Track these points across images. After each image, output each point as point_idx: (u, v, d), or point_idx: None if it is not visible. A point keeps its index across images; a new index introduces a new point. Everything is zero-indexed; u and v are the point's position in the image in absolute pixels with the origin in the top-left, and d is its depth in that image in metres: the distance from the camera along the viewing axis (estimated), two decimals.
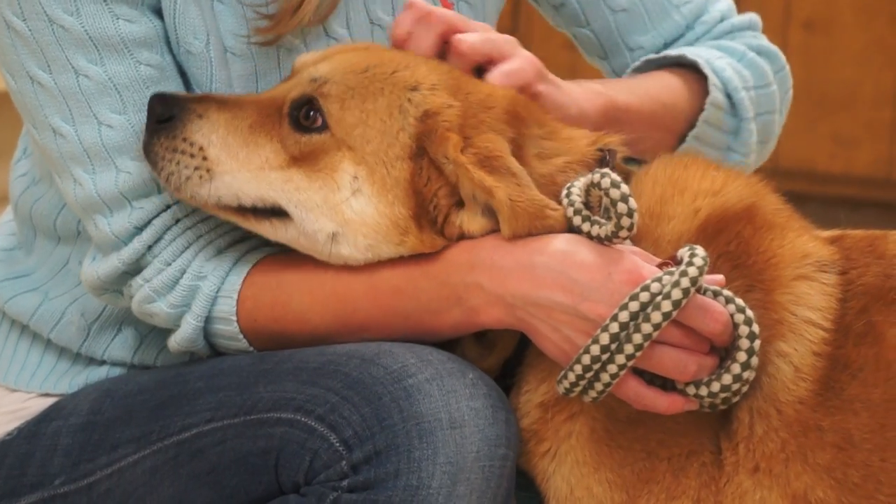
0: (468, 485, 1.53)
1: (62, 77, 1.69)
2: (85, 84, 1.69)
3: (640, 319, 1.52)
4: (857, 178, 5.19)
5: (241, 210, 1.69)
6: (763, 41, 2.03)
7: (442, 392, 1.55)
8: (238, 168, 1.68)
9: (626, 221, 1.55)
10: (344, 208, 1.65)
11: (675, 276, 1.52)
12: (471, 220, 1.62)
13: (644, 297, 1.52)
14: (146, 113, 1.70)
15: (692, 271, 1.52)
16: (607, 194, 1.55)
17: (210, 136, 1.68)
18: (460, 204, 1.64)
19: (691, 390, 1.56)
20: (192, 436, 1.66)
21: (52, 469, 1.76)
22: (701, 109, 1.91)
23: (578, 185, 1.59)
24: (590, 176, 1.58)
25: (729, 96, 1.93)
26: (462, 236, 1.63)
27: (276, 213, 1.68)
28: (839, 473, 1.55)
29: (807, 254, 1.63)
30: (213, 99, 1.71)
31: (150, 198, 1.72)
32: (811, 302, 1.60)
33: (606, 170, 1.58)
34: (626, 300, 1.52)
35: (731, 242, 1.63)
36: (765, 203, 1.68)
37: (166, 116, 1.68)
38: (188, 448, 1.66)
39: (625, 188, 1.55)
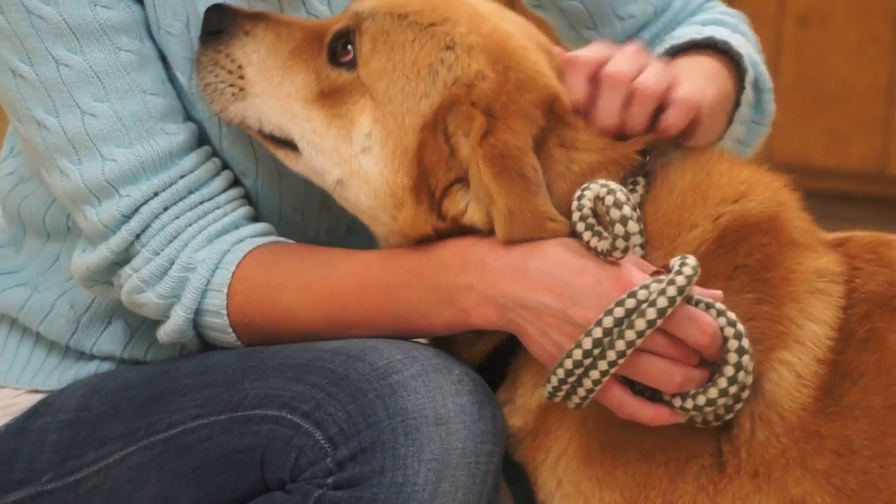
0: (453, 481, 1.53)
1: (43, 68, 1.69)
2: (66, 74, 1.69)
3: (624, 326, 1.50)
4: (850, 172, 5.19)
5: (262, 133, 1.71)
6: (726, 6, 2.03)
7: (427, 388, 1.55)
8: (269, 93, 1.69)
9: (620, 244, 1.53)
10: (352, 161, 1.64)
11: (663, 285, 1.50)
12: (475, 211, 1.60)
13: (630, 303, 1.50)
14: (129, 99, 1.70)
15: (680, 280, 1.50)
16: (608, 213, 1.53)
17: (251, 55, 1.70)
18: (463, 181, 1.61)
19: (677, 402, 1.54)
20: (178, 433, 1.66)
21: (40, 466, 1.76)
22: (739, 88, 1.89)
23: (593, 189, 1.56)
24: (597, 187, 1.55)
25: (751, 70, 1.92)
26: (459, 218, 1.61)
27: (291, 145, 1.69)
28: (838, 480, 1.54)
29: (821, 270, 1.60)
30: (264, 17, 1.71)
31: (138, 185, 1.71)
32: (818, 315, 1.58)
33: (614, 186, 1.55)
34: (612, 306, 1.51)
35: (753, 255, 1.60)
36: (790, 216, 1.64)
37: (216, 29, 1.70)
38: (175, 445, 1.66)
39: (626, 210, 1.52)
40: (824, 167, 5.16)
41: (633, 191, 1.62)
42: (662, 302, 1.50)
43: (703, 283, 1.56)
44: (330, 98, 1.66)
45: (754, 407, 1.55)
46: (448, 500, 1.53)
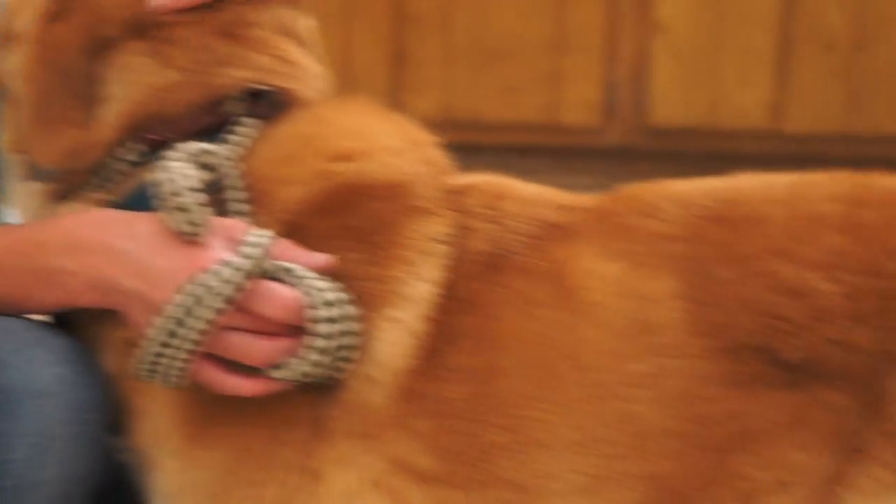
0: (57, 453, 1.50)
1: None
2: None
3: (188, 314, 1.47)
4: (525, 124, 5.32)
5: None
6: None
7: (25, 362, 1.51)
8: None
9: (187, 228, 1.49)
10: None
11: (225, 268, 1.47)
12: (12, 78, 1.60)
13: (194, 290, 1.47)
14: None
15: (240, 263, 1.48)
16: (167, 202, 1.48)
17: None
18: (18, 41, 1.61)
19: (275, 373, 1.51)
20: None
21: None
22: None
23: (176, 161, 1.50)
24: (160, 172, 1.49)
25: None
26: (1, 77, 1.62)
27: None
28: (441, 441, 1.52)
29: (435, 234, 1.57)
30: None
31: None
32: (427, 275, 1.55)
33: (176, 170, 1.48)
34: (175, 293, 1.48)
35: (363, 218, 1.55)
36: (417, 186, 1.59)
37: None
38: None
39: (187, 199, 1.48)
40: (500, 120, 5.28)
41: (228, 133, 1.58)
42: (223, 288, 1.47)
43: (303, 242, 1.53)
44: None
45: (363, 367, 1.53)
46: (50, 473, 1.50)
